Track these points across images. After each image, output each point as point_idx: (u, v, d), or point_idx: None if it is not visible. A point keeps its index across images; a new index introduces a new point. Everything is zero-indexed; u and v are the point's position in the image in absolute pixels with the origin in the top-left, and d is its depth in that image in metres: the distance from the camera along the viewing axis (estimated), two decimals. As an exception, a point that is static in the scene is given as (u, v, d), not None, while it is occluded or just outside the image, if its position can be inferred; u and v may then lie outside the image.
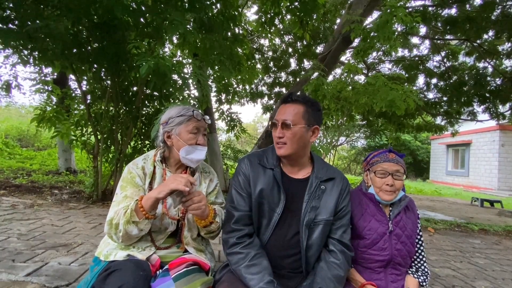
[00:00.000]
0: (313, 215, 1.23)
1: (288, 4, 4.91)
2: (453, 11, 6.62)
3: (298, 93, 1.33)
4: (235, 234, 1.22)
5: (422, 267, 1.44)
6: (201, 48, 4.28)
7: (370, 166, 1.43)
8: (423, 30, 8.06)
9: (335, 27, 6.81)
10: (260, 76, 8.56)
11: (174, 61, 4.05)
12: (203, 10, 3.79)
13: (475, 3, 6.42)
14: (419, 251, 1.44)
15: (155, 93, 4.48)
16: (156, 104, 4.65)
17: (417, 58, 8.12)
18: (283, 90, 8.91)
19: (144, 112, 4.50)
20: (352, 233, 1.34)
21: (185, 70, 4.71)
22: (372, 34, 3.93)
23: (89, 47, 3.89)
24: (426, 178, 20.12)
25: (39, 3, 3.46)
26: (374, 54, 8.21)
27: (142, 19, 3.71)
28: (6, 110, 15.08)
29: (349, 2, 6.42)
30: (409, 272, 1.42)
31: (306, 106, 1.25)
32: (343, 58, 7.26)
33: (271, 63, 8.83)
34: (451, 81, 7.50)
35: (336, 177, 1.31)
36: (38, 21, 3.23)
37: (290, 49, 8.41)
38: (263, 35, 7.39)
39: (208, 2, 3.99)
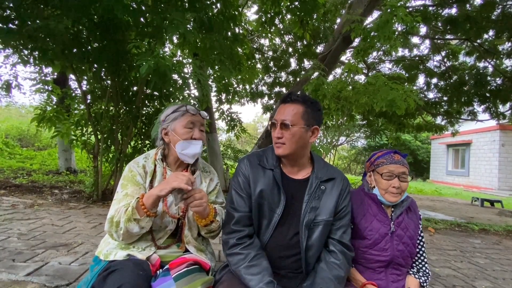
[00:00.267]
0: (313, 216, 1.22)
1: (288, 3, 4.91)
2: (454, 10, 6.62)
3: (298, 93, 1.31)
4: (235, 235, 1.21)
5: (423, 268, 1.43)
6: (201, 47, 4.27)
7: (375, 167, 1.41)
8: (423, 29, 8.06)
9: (335, 27, 6.80)
10: (260, 76, 8.56)
11: (174, 61, 4.04)
12: (203, 10, 3.79)
13: (476, 3, 6.41)
14: (421, 252, 1.44)
15: (155, 93, 4.48)
16: (156, 103, 4.65)
17: (417, 58, 8.11)
18: (283, 90, 8.89)
19: (144, 112, 4.50)
20: (353, 233, 1.34)
21: (185, 70, 4.71)
22: (372, 33, 3.93)
23: (89, 47, 3.88)
24: (426, 178, 20.13)
25: (39, 3, 3.46)
26: (374, 54, 8.21)
27: (142, 19, 3.70)
28: (6, 110, 15.11)
29: (349, 1, 6.41)
30: (410, 272, 1.42)
31: (306, 106, 1.24)
32: (343, 58, 7.26)
33: (271, 63, 8.81)
34: (451, 81, 7.50)
35: (336, 177, 1.29)
36: (38, 21, 3.23)
37: (290, 49, 8.39)
38: (263, 35, 7.38)
39: (208, 2, 3.99)
